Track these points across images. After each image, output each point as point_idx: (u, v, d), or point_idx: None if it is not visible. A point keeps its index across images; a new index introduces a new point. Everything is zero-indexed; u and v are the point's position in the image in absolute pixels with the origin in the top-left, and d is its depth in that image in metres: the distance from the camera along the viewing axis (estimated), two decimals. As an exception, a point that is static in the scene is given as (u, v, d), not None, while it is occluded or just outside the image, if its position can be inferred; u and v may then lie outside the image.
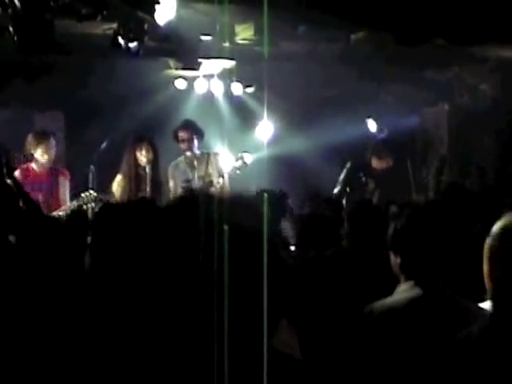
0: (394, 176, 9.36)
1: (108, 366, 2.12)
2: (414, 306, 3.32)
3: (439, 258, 3.41)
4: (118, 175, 8.71)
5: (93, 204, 8.12)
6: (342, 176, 9.38)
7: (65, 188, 8.62)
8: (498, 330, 2.46)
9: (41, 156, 8.52)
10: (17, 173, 8.39)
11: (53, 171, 8.62)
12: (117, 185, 8.65)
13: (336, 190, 9.28)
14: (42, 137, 8.57)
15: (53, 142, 8.59)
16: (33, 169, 8.58)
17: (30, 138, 8.58)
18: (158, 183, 8.60)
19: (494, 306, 2.54)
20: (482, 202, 5.68)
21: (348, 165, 9.46)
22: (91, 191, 8.25)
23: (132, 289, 2.95)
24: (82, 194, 8.24)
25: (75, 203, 8.19)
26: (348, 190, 9.18)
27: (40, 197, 8.25)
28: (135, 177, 8.57)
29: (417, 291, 3.36)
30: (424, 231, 3.43)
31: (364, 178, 9.33)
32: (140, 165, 8.55)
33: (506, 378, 2.38)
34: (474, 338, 2.54)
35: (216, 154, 9.05)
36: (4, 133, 9.64)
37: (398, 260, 3.44)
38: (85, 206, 8.11)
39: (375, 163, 9.37)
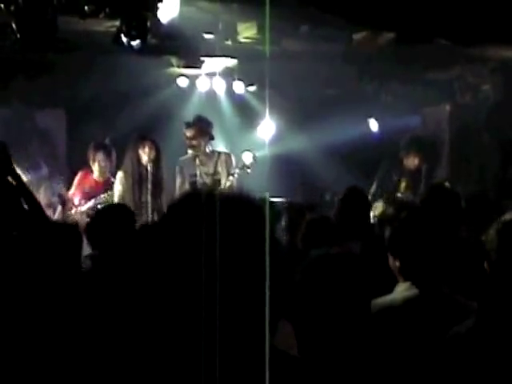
0: (425, 177, 9.20)
1: (103, 365, 2.13)
2: (413, 305, 3.33)
3: (437, 259, 3.42)
4: (119, 172, 8.72)
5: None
6: (377, 175, 9.27)
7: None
8: (486, 327, 2.47)
9: (92, 167, 8.81)
10: (79, 175, 8.89)
11: (110, 182, 8.80)
12: (118, 182, 8.66)
13: (372, 189, 9.17)
14: (95, 150, 8.85)
15: (106, 157, 8.85)
16: (92, 175, 8.86)
17: (90, 147, 8.89)
18: (159, 182, 8.59)
19: (488, 305, 2.55)
20: (481, 203, 5.70)
21: (383, 163, 9.35)
22: (108, 193, 8.42)
23: (132, 288, 2.96)
24: (102, 195, 8.39)
25: (91, 203, 8.46)
26: (381, 189, 9.08)
27: (91, 202, 8.55)
28: (137, 175, 8.58)
29: (415, 291, 3.37)
30: (420, 234, 3.43)
31: (396, 177, 9.17)
32: (142, 163, 8.55)
33: (494, 374, 2.39)
34: (462, 335, 2.55)
35: (227, 155, 9.01)
36: (5, 130, 9.65)
37: (397, 263, 3.45)
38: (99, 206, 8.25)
39: (405, 161, 9.20)
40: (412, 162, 9.17)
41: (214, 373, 1.60)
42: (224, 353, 1.61)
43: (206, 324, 1.62)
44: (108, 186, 8.74)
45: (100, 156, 8.77)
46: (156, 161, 8.57)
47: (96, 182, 8.80)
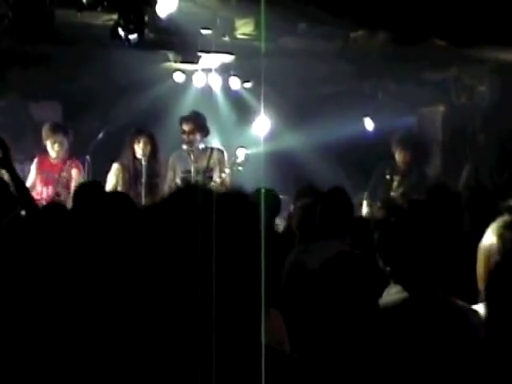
0: (415, 172, 9.17)
1: (98, 362, 2.13)
2: (406, 308, 3.32)
3: (428, 263, 3.40)
4: (114, 164, 8.69)
5: None
6: (372, 176, 9.23)
7: (77, 181, 8.64)
8: (494, 331, 2.47)
9: (50, 148, 8.64)
10: (35, 160, 8.74)
11: (67, 164, 8.69)
12: (112, 173, 8.64)
13: (367, 190, 9.13)
14: (52, 130, 8.67)
15: (61, 137, 8.66)
16: (48, 159, 8.69)
17: (43, 129, 8.73)
18: (154, 177, 8.57)
19: (489, 306, 2.55)
20: (476, 203, 5.70)
21: (379, 164, 9.32)
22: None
23: (123, 283, 2.94)
24: None
25: None
26: (375, 188, 9.02)
27: (50, 188, 8.47)
28: (133, 169, 8.57)
29: (407, 294, 3.37)
30: (408, 240, 3.40)
31: (389, 176, 9.14)
32: (137, 158, 8.54)
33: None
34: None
35: (220, 151, 9.01)
36: (1, 122, 9.64)
37: (388, 268, 3.45)
38: None
39: (396, 157, 9.18)
40: (400, 158, 9.17)
41: (210, 367, 1.60)
42: (218, 347, 1.61)
43: (201, 322, 1.61)
44: (65, 166, 8.64)
45: (57, 137, 8.61)
46: (151, 156, 8.55)
47: (52, 164, 8.67)
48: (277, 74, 8.66)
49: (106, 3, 7.17)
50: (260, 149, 9.52)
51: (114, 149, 8.95)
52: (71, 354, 2.73)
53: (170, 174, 8.83)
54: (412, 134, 9.78)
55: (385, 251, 3.45)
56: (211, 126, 9.27)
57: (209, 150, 8.88)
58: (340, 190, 5.70)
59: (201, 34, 8.70)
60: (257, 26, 8.70)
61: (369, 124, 11.33)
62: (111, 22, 7.73)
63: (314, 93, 11.39)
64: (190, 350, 1.63)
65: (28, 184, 8.19)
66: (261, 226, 1.71)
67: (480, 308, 3.30)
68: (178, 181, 8.59)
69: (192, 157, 8.72)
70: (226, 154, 8.98)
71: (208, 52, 9.33)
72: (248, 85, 10.59)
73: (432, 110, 11.55)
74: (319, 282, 3.37)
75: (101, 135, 9.64)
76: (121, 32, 7.50)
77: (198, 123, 8.72)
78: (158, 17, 7.46)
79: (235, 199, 1.75)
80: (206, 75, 10.56)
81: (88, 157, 8.93)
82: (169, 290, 1.68)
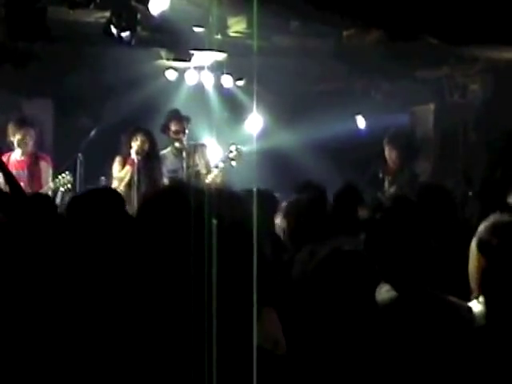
0: (405, 171, 9.17)
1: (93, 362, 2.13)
2: (397, 306, 3.33)
3: (415, 261, 3.40)
4: (117, 156, 8.65)
5: (68, 186, 8.17)
6: (365, 175, 9.22)
7: (47, 174, 8.57)
8: (492, 325, 2.48)
9: (18, 144, 8.50)
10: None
11: (34, 158, 8.58)
12: (117, 167, 8.61)
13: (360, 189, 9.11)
14: (20, 125, 8.55)
15: (30, 130, 8.55)
16: (15, 156, 8.55)
17: (10, 125, 8.57)
18: (152, 173, 8.56)
19: (486, 302, 2.56)
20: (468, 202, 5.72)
21: (372, 163, 9.31)
22: (65, 174, 8.25)
23: (116, 284, 2.94)
24: (57, 178, 8.27)
25: (51, 185, 8.25)
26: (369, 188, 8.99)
27: (21, 184, 8.31)
28: (131, 166, 8.55)
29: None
30: (393, 238, 3.40)
31: (381, 175, 9.13)
32: (136, 155, 8.50)
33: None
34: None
35: (203, 146, 9.06)
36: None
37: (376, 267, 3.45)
38: (62, 188, 8.13)
39: (387, 156, 9.16)
40: (390, 157, 9.17)
41: (202, 368, 1.59)
42: (211, 347, 1.61)
43: (193, 322, 1.61)
44: (33, 160, 8.56)
45: (24, 131, 8.49)
46: (150, 152, 8.54)
47: (20, 161, 8.53)
48: (269, 71, 8.65)
49: (98, 1, 7.16)
50: (252, 146, 9.52)
51: (106, 146, 8.94)
52: (69, 354, 2.73)
53: None
54: (402, 133, 9.78)
55: (371, 250, 3.46)
56: (203, 123, 9.29)
57: (192, 147, 8.92)
58: (352, 187, 5.74)
59: (193, 31, 8.70)
60: (249, 23, 8.70)
61: (361, 122, 11.34)
62: (103, 20, 7.72)
63: (306, 91, 11.39)
64: (183, 350, 1.62)
65: None
66: (253, 226, 1.70)
67: (474, 305, 3.31)
68: (165, 181, 8.58)
69: (184, 154, 8.74)
70: (207, 148, 9.03)
71: (200, 50, 9.33)
72: (240, 83, 10.58)
73: (424, 108, 11.56)
74: (314, 280, 3.38)
75: (93, 133, 9.62)
76: (113, 30, 7.49)
77: (187, 119, 8.79)
78: (151, 14, 7.46)
79: (227, 199, 1.75)
80: (198, 73, 10.56)
81: (80, 154, 8.91)
82: (161, 290, 1.67)
